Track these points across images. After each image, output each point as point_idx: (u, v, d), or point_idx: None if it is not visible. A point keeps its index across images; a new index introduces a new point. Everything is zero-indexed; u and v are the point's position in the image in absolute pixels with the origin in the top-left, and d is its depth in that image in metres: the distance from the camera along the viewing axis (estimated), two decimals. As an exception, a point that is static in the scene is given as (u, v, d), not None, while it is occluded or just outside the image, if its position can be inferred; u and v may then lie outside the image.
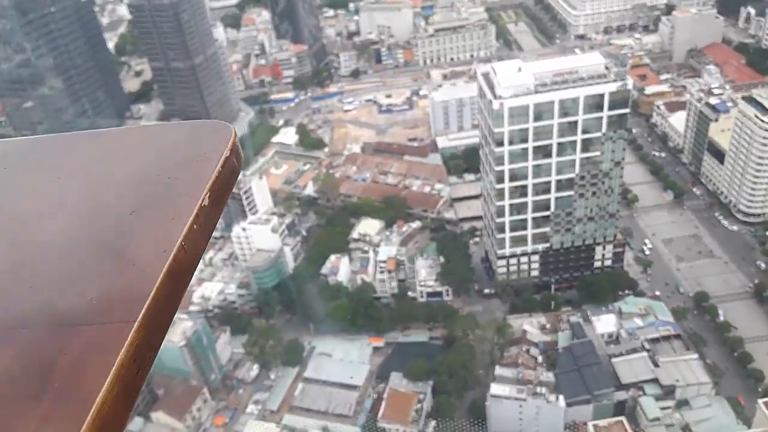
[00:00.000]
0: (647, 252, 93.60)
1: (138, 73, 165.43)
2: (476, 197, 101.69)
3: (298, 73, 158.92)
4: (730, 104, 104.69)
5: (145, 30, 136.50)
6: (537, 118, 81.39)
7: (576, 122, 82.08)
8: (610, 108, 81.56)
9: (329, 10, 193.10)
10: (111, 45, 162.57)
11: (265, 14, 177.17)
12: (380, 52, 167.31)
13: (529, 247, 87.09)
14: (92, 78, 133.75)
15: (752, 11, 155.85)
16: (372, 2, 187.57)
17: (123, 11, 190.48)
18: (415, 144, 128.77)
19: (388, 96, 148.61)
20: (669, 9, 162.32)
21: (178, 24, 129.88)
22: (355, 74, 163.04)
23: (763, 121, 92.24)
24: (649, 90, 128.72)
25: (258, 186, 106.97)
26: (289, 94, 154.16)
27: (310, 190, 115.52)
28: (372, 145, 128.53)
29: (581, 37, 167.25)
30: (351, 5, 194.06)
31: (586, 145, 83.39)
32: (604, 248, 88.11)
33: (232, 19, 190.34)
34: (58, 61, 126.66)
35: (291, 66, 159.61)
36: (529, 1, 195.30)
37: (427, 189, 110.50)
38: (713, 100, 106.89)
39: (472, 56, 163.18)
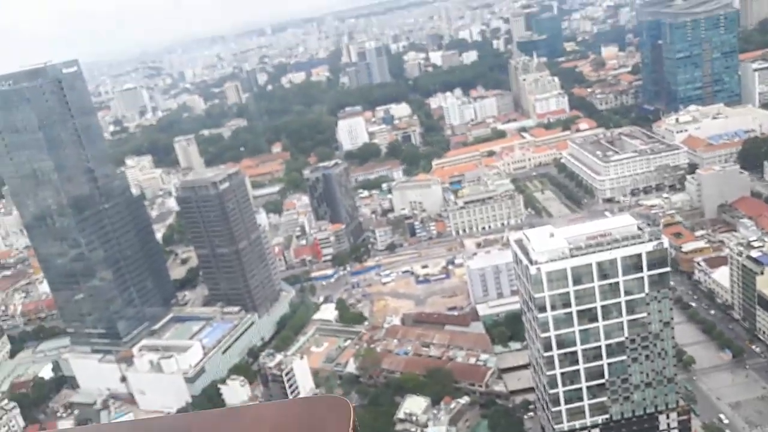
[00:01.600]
0: (724, 424, 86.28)
1: (184, 261, 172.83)
2: (525, 367, 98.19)
3: (336, 251, 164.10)
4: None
5: (192, 220, 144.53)
6: (576, 281, 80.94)
7: (617, 284, 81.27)
8: (650, 268, 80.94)
9: (364, 191, 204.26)
10: (159, 235, 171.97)
11: (305, 199, 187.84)
12: (414, 225, 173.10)
13: (588, 420, 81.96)
14: (141, 268, 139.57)
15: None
16: (403, 181, 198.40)
17: (172, 203, 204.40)
18: (455, 313, 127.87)
19: (425, 266, 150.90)
20: (692, 168, 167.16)
21: (223, 213, 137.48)
22: (391, 248, 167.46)
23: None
24: (687, 247, 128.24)
25: (299, 366, 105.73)
26: (329, 271, 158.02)
27: (351, 367, 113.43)
28: (411, 316, 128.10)
29: (609, 200, 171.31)
30: (384, 185, 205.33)
31: (631, 306, 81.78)
32: (668, 417, 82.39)
33: (273, 205, 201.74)
34: (109, 254, 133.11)
35: (330, 244, 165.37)
36: (553, 171, 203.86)
37: (472, 360, 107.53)
38: (754, 253, 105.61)
39: (502, 224, 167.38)
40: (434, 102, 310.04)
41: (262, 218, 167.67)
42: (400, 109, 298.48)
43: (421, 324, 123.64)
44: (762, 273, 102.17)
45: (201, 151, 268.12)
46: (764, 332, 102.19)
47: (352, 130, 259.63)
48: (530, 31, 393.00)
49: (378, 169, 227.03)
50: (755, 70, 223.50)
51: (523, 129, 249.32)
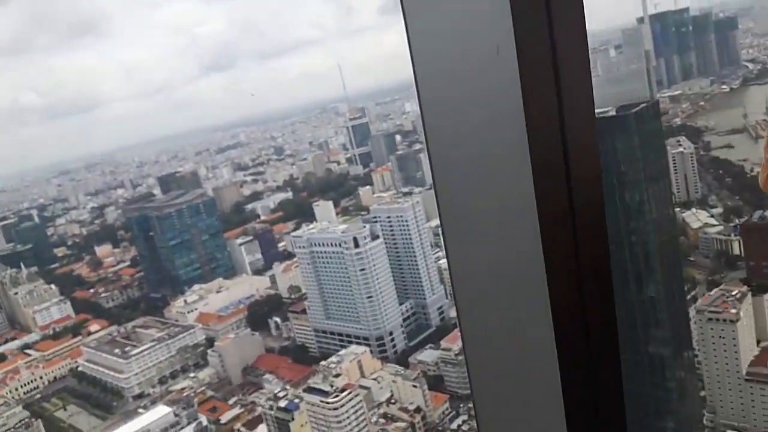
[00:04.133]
0: None
1: None
2: None
3: None
4: (297, 400, 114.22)
5: None
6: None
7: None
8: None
9: None
10: None
11: None
12: None
13: None
14: None
15: (278, 320, 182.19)
16: None
17: None
18: None
19: None
20: (211, 342, 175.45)
21: None
22: None
23: (328, 402, 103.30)
24: (225, 418, 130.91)
25: None
26: None
27: None
28: None
29: (139, 396, 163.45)
30: None
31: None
32: None
33: None
34: None
35: None
36: (73, 382, 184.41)
37: None
38: (282, 403, 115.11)
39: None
40: None
41: None
42: None
43: None
44: (293, 418, 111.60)
45: None
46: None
47: None
48: (12, 242, 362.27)
49: None
50: (240, 244, 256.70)
51: (27, 346, 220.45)
